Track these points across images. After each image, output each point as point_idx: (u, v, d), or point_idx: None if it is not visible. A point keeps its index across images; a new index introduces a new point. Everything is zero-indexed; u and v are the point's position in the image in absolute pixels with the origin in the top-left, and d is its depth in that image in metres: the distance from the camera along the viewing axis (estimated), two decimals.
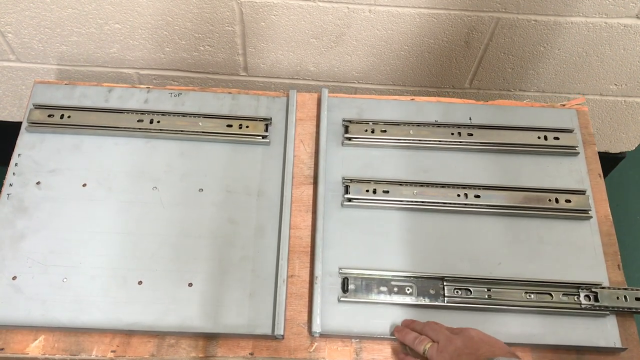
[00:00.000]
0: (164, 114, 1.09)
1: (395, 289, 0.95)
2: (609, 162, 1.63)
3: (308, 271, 0.98)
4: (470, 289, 0.95)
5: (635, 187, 1.84)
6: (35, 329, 0.92)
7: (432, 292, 0.95)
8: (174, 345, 0.92)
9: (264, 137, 1.07)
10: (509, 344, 0.93)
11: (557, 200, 1.03)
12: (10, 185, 1.02)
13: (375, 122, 1.09)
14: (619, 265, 1.00)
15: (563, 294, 0.95)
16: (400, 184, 1.04)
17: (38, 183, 1.02)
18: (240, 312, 0.93)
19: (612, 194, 1.09)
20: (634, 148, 1.58)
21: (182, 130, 1.07)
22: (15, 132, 1.07)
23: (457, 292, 0.95)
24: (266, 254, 0.98)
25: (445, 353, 0.83)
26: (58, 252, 0.97)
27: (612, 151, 1.59)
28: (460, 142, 1.08)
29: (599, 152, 1.11)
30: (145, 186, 1.03)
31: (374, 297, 0.95)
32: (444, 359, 0.83)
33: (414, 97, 1.14)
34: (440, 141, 1.08)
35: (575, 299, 0.95)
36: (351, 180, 1.04)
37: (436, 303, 0.94)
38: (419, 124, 1.09)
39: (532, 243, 1.01)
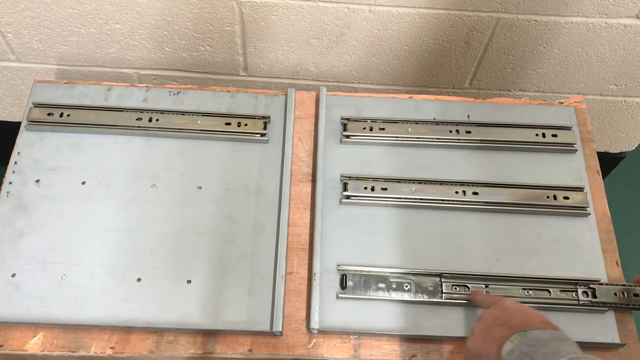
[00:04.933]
0: (163, 112, 1.09)
1: (394, 286, 0.95)
2: (609, 162, 1.63)
3: (306, 268, 0.98)
4: (468, 285, 0.95)
5: (635, 187, 1.84)
6: (34, 326, 0.92)
7: (430, 288, 0.95)
8: (173, 341, 0.92)
9: (262, 135, 1.07)
10: None
11: (555, 197, 1.03)
12: (10, 183, 1.02)
13: (373, 120, 1.09)
14: (617, 261, 0.99)
15: (561, 290, 0.95)
16: (399, 182, 1.04)
17: (37, 181, 1.03)
18: (238, 308, 0.93)
19: (612, 194, 1.08)
20: (634, 148, 1.58)
21: (181, 129, 1.07)
22: (15, 132, 1.07)
23: (455, 288, 0.95)
24: (265, 251, 0.98)
25: (477, 331, 0.82)
26: (57, 249, 0.97)
27: (612, 151, 1.59)
28: (458, 139, 1.08)
29: (598, 153, 1.11)
30: (144, 184, 1.03)
31: (372, 293, 0.95)
32: (475, 338, 0.82)
33: (412, 95, 1.15)
34: (438, 139, 1.08)
35: (574, 295, 0.95)
36: (349, 177, 1.04)
37: (434, 299, 0.94)
38: (417, 122, 1.09)
39: (530, 240, 1.00)
